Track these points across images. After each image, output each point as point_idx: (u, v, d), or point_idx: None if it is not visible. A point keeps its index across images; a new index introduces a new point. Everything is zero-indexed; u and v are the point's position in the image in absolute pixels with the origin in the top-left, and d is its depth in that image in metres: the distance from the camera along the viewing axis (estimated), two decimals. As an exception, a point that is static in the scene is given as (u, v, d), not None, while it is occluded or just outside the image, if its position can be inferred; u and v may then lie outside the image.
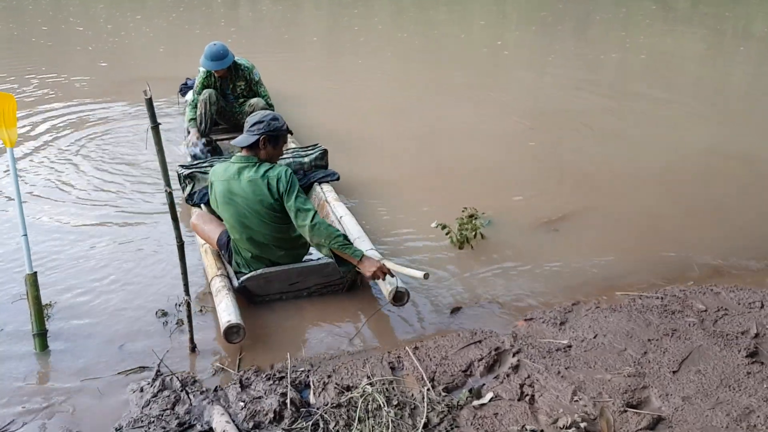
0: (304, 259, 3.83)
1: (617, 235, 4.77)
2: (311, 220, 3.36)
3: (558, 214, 4.99)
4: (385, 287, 3.53)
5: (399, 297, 3.48)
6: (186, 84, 7.29)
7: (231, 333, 3.17)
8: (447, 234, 4.37)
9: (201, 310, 3.62)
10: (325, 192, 4.80)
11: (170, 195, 2.90)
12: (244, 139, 3.54)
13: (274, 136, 3.55)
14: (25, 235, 3.34)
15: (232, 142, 3.68)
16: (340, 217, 4.36)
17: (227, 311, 3.25)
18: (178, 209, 3.05)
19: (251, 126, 3.53)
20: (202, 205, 4.50)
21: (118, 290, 3.83)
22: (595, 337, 3.36)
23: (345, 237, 3.49)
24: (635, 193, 5.51)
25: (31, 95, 8.02)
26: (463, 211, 4.49)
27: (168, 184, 2.84)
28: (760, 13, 17.01)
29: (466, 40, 12.85)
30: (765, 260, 4.41)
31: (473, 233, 4.39)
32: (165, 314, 3.58)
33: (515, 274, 4.15)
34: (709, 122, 7.70)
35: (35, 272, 3.28)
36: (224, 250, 3.81)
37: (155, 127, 2.76)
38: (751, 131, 7.26)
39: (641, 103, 8.36)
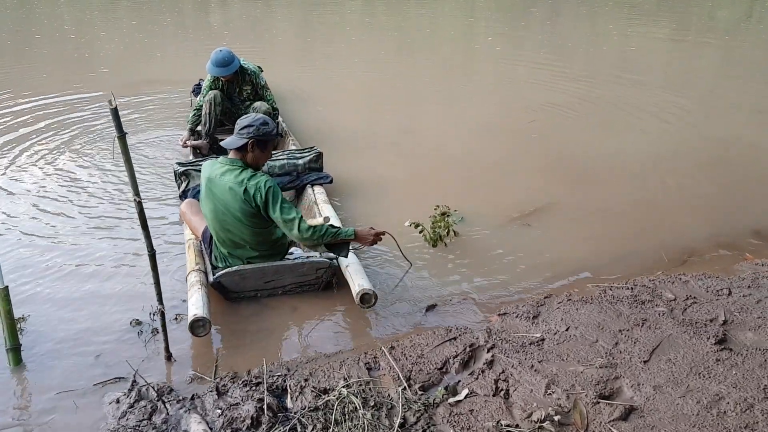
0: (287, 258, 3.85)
1: (589, 228, 4.85)
2: (298, 229, 3.41)
3: (529, 208, 5.06)
4: (354, 288, 3.56)
5: (366, 299, 3.51)
6: (199, 85, 7.34)
7: (196, 326, 3.21)
8: (420, 232, 4.40)
9: (176, 318, 3.62)
10: (316, 194, 4.85)
11: (139, 204, 2.89)
12: (233, 141, 3.56)
13: (262, 141, 3.56)
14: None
15: (222, 143, 3.69)
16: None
17: (195, 305, 3.29)
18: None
19: (241, 129, 3.54)
20: None
21: (92, 301, 3.80)
22: (567, 330, 3.41)
23: (331, 225, 3.54)
24: (606, 184, 5.61)
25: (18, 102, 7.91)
26: (435, 209, 4.52)
27: (137, 194, 2.84)
28: None
29: (450, 36, 12.89)
30: (733, 248, 4.50)
31: (446, 231, 4.42)
32: (140, 323, 3.57)
33: (489, 269, 4.21)
34: (693, 113, 7.80)
35: (6, 286, 3.25)
36: (206, 243, 3.85)
37: (122, 136, 2.75)
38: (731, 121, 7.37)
39: (622, 93, 8.44)
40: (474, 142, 6.73)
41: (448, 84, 9.39)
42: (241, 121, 3.57)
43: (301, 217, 3.47)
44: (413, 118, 7.55)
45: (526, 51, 11.46)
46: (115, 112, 2.68)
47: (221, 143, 3.72)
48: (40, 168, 5.82)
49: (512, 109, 7.83)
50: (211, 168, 3.62)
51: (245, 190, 3.45)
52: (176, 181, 4.88)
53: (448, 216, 4.47)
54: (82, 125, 7.06)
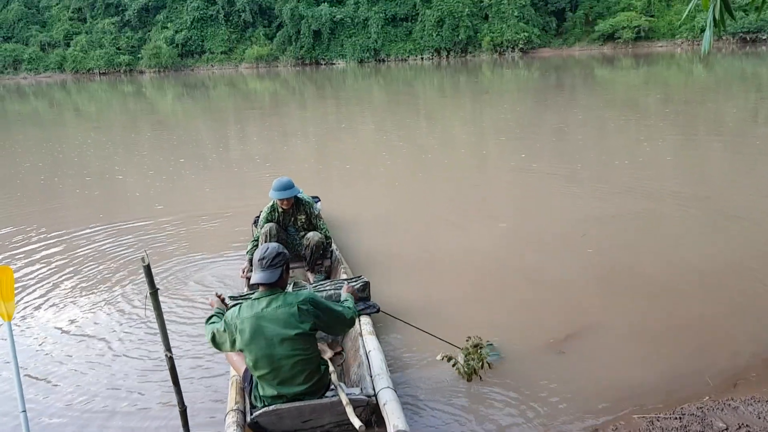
0: (326, 395, 3.76)
1: (624, 352, 4.69)
2: (348, 324, 3.91)
3: (568, 331, 4.94)
4: (389, 429, 3.42)
5: None
6: (259, 216, 7.49)
7: None
8: (453, 366, 4.30)
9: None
10: (362, 325, 4.75)
11: (170, 359, 2.87)
12: (269, 275, 3.60)
13: (288, 263, 3.72)
14: (24, 411, 3.27)
15: (252, 280, 3.70)
16: (369, 351, 4.31)
17: None
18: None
19: (272, 261, 3.61)
20: None
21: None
22: (617, 469, 3.24)
23: (350, 306, 4.06)
24: (641, 303, 5.48)
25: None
26: (467, 340, 4.45)
27: (168, 348, 2.82)
28: None
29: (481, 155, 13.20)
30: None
31: (480, 364, 4.32)
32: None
33: (528, 406, 4.04)
34: (737, 223, 7.65)
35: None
36: (247, 382, 3.81)
37: (153, 292, 2.77)
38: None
39: (661, 206, 8.43)
40: (522, 258, 6.74)
41: (489, 199, 9.54)
42: (267, 254, 3.62)
43: (343, 312, 3.82)
44: (456, 236, 7.60)
45: (559, 163, 11.62)
46: (147, 269, 2.73)
47: (252, 281, 3.74)
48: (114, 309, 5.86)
49: (559, 222, 7.83)
50: (253, 308, 3.59)
51: (298, 309, 3.53)
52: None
53: (481, 348, 4.38)
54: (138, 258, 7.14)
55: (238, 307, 3.69)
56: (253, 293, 4.92)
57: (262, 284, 3.61)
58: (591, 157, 11.99)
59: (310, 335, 3.57)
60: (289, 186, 5.96)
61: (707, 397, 3.94)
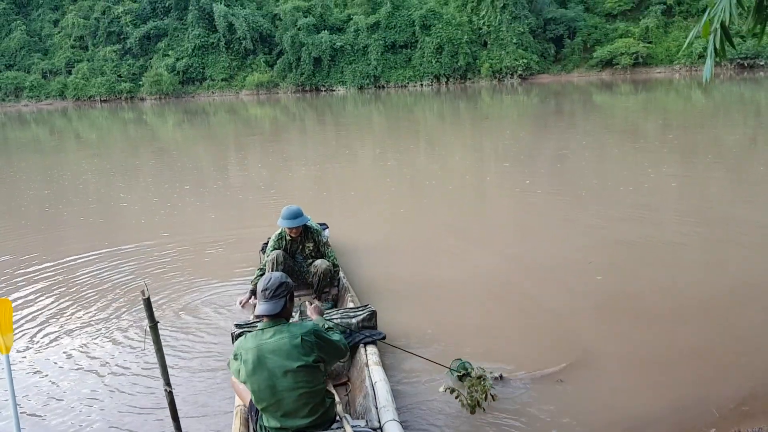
0: (331, 428, 3.70)
1: (629, 381, 4.65)
2: (342, 355, 3.83)
3: (565, 362, 4.89)
4: None
5: None
6: (266, 243, 7.47)
7: None
8: (457, 398, 4.26)
9: None
10: (368, 355, 4.71)
11: (170, 394, 2.84)
12: (272, 306, 3.56)
13: (292, 293, 3.69)
14: (22, 446, 3.22)
15: (256, 312, 3.66)
16: (375, 382, 4.26)
17: None
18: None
19: (275, 291, 3.57)
20: None
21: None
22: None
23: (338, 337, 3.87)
24: (645, 331, 5.44)
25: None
26: (471, 372, 4.40)
27: (167, 383, 2.79)
28: None
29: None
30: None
31: (483, 395, 4.27)
32: None
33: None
34: (742, 251, 7.59)
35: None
36: (253, 412, 3.77)
37: (153, 326, 2.74)
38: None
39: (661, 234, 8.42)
40: (527, 285, 6.71)
41: (494, 225, 9.56)
42: (270, 285, 3.59)
43: (340, 339, 3.82)
44: (461, 263, 7.59)
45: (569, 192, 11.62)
46: (147, 303, 2.70)
47: (255, 312, 3.71)
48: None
49: (565, 249, 7.80)
50: (257, 339, 3.54)
51: (302, 340, 3.49)
52: (233, 343, 4.81)
53: (484, 380, 4.34)
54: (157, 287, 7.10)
55: (245, 336, 3.66)
56: (258, 323, 4.94)
57: (265, 316, 3.58)
58: (595, 184, 11.99)
59: (314, 367, 3.51)
60: (298, 215, 5.99)
61: (713, 429, 3.89)
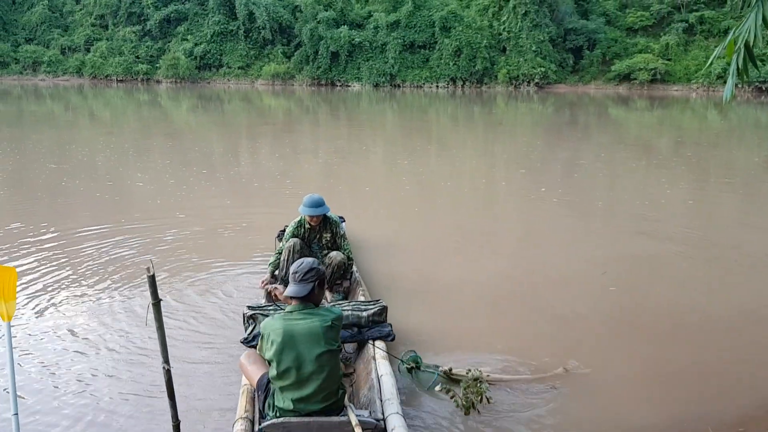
0: (339, 415, 3.71)
1: (627, 394, 4.64)
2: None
3: (554, 369, 4.87)
4: None
5: None
6: (284, 230, 7.51)
7: None
8: (452, 398, 4.25)
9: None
10: (375, 350, 4.72)
11: (168, 372, 2.84)
12: (300, 289, 3.67)
13: (322, 280, 3.78)
14: (16, 414, 3.22)
15: (285, 293, 3.75)
16: (381, 375, 4.28)
17: None
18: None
19: (305, 275, 3.67)
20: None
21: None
22: None
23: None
24: (646, 345, 5.42)
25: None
26: (467, 372, 4.39)
27: (166, 361, 2.79)
28: None
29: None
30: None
31: (479, 397, 4.26)
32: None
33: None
34: (752, 269, 7.58)
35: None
36: (261, 391, 3.82)
37: (156, 303, 2.74)
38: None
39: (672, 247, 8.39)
40: (538, 291, 6.71)
41: (508, 230, 9.55)
42: (300, 268, 3.71)
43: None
44: (474, 265, 7.60)
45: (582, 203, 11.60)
46: (151, 279, 2.69)
47: (285, 293, 3.78)
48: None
49: (580, 258, 7.80)
50: (285, 321, 3.63)
51: (332, 325, 3.64)
52: (244, 325, 4.92)
53: (480, 382, 4.32)
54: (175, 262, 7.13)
55: (272, 317, 3.77)
56: (269, 306, 5.08)
57: (293, 297, 3.68)
58: (610, 195, 12.01)
59: (338, 352, 3.66)
60: (320, 203, 6.03)
61: (709, 448, 3.87)
